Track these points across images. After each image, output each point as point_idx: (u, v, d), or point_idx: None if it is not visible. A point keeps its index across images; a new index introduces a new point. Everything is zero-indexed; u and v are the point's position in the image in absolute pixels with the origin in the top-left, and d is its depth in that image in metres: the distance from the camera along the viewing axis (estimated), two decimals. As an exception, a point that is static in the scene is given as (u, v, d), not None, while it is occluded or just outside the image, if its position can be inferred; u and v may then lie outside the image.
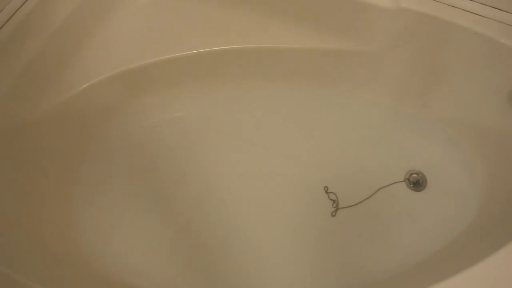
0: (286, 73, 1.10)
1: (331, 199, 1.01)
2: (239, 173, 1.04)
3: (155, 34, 1.00)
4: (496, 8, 0.86)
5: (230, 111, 1.13)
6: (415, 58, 0.99)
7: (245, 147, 1.08)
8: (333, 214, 0.99)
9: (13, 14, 0.82)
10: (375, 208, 0.99)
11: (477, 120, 0.99)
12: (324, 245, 0.96)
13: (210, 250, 0.95)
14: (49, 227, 0.86)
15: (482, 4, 0.86)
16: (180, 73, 1.04)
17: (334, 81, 1.11)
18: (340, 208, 1.00)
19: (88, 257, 0.89)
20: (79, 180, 0.98)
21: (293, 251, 0.94)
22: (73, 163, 0.99)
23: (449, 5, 0.88)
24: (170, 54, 0.98)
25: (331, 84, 1.12)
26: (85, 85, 0.91)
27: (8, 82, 0.79)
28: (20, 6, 0.84)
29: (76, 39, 0.94)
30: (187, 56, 0.99)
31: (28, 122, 0.84)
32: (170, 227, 0.97)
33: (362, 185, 1.02)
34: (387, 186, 1.02)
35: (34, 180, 0.86)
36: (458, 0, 0.88)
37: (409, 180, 1.03)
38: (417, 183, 1.02)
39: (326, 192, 1.02)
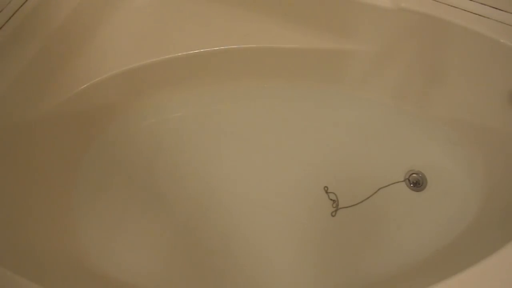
0: (286, 73, 1.10)
1: (331, 199, 1.01)
2: (239, 173, 1.04)
3: (155, 34, 1.00)
4: (496, 8, 0.86)
5: (230, 111, 1.13)
6: (415, 58, 0.99)
7: (244, 147, 1.08)
8: (333, 214, 0.99)
9: (13, 14, 0.82)
10: (375, 208, 0.99)
11: (477, 120, 0.99)
12: (324, 245, 0.96)
13: (210, 250, 0.95)
14: (49, 226, 0.86)
15: (482, 4, 0.86)
16: (180, 73, 1.04)
17: (334, 81, 1.11)
18: (340, 208, 1.00)
19: (88, 256, 0.89)
20: (79, 180, 0.98)
21: (293, 251, 0.94)
22: (73, 163, 0.99)
23: (449, 5, 0.88)
24: (170, 54, 0.98)
25: (331, 84, 1.12)
26: (85, 85, 0.91)
27: (8, 82, 0.79)
28: (20, 6, 0.84)
29: (76, 39, 0.94)
30: (187, 56, 0.99)
31: (28, 122, 0.84)
32: (170, 227, 0.97)
33: (362, 185, 1.02)
34: (387, 186, 1.02)
35: (34, 180, 0.86)
36: (458, 0, 0.88)
37: (409, 180, 1.03)
38: (417, 183, 1.02)
39: (326, 192, 1.02)
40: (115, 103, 1.03)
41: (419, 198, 1.00)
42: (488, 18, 0.86)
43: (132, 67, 0.95)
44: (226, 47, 1.00)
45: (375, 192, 1.01)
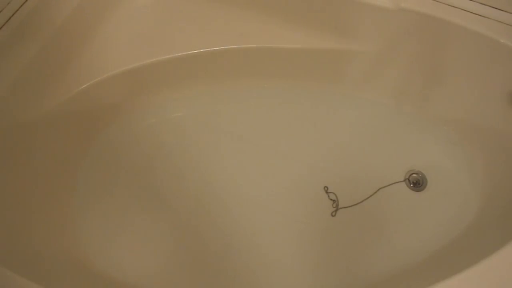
0: (286, 73, 1.10)
1: (331, 199, 1.01)
2: (239, 173, 1.04)
3: (155, 34, 1.00)
4: (496, 8, 0.86)
5: (230, 111, 1.13)
6: (415, 58, 0.99)
7: (244, 146, 1.08)
8: (333, 214, 0.99)
9: (13, 14, 0.82)
10: (375, 208, 0.99)
11: (477, 120, 0.99)
12: (324, 245, 0.96)
13: (210, 250, 0.95)
14: (49, 226, 0.86)
15: (482, 4, 0.86)
16: (180, 73, 1.04)
17: (334, 81, 1.11)
18: (340, 208, 1.00)
19: (88, 256, 0.89)
20: (80, 180, 0.98)
21: (293, 251, 0.94)
22: (74, 163, 0.99)
23: (449, 5, 0.88)
24: (170, 54, 0.98)
25: (331, 84, 1.12)
26: (85, 85, 0.91)
27: (8, 82, 0.79)
28: (20, 6, 0.84)
29: (76, 39, 0.94)
30: (187, 56, 0.99)
31: (28, 122, 0.84)
32: (171, 227, 0.97)
33: (362, 185, 1.02)
34: (387, 186, 1.02)
35: (34, 180, 0.86)
36: (458, 0, 0.88)
37: (409, 180, 1.03)
38: (417, 183, 1.02)
39: (326, 192, 1.02)
40: (115, 103, 1.03)
41: (419, 198, 1.00)
42: (488, 18, 0.86)
43: (132, 67, 0.95)
44: (226, 47, 1.00)
45: (375, 192, 1.01)
